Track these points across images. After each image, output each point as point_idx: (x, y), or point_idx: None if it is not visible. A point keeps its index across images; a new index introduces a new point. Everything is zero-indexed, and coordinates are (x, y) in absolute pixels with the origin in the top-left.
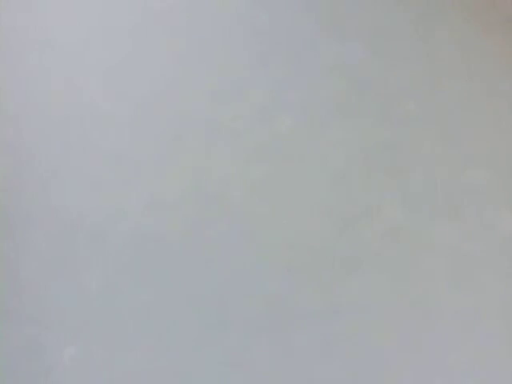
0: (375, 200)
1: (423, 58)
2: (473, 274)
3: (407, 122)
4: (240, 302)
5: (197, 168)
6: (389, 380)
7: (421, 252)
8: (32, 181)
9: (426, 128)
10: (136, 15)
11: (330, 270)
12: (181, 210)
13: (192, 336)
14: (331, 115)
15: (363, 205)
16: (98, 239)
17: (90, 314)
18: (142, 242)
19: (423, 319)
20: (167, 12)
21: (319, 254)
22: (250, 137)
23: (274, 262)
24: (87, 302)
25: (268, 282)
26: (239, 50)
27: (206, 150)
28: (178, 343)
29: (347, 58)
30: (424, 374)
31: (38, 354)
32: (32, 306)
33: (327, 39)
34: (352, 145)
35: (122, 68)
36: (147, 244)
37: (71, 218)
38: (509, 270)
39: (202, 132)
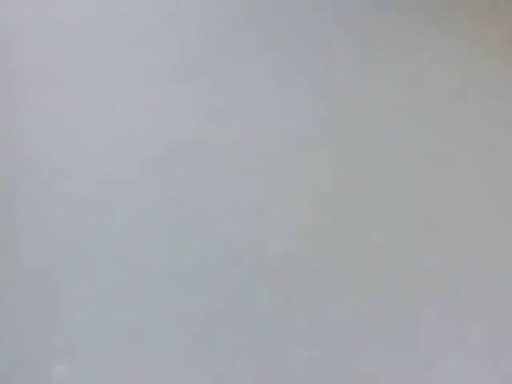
0: (362, 221)
1: (411, 79)
2: (459, 296)
3: (395, 142)
4: (227, 320)
5: (183, 187)
6: None
7: (408, 273)
8: (26, 191)
9: (415, 149)
10: (132, 24)
11: (318, 289)
12: (167, 229)
13: (181, 354)
14: (318, 136)
15: (350, 226)
16: (88, 255)
17: (79, 333)
18: (130, 260)
19: (410, 339)
20: (162, 21)
21: (306, 274)
22: (237, 157)
23: (262, 281)
24: (76, 320)
25: (256, 300)
26: (228, 69)
27: (192, 171)
28: (167, 362)
29: (334, 80)
30: None
31: (26, 372)
32: (21, 323)
33: (314, 61)
34: (339, 166)
35: (111, 83)
36: (136, 262)
37: (57, 237)
38: (496, 293)
39: (189, 154)
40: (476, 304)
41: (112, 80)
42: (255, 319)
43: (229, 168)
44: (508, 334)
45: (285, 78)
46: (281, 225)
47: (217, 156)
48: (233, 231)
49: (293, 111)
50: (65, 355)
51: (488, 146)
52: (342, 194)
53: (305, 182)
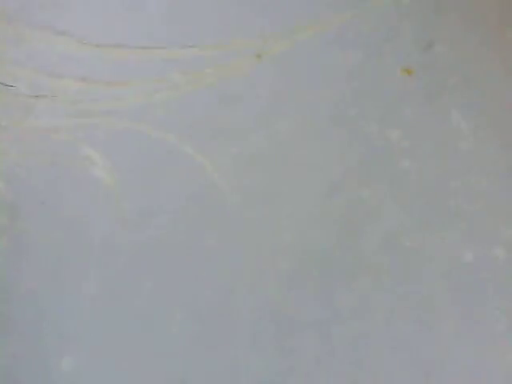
0: (374, 208)
1: (422, 67)
2: (472, 283)
3: (405, 128)
4: (240, 310)
5: (194, 175)
6: None
7: (420, 261)
8: (33, 188)
9: (425, 135)
10: (132, 18)
11: (330, 278)
12: (179, 218)
13: (192, 346)
14: (330, 122)
15: (362, 213)
16: (97, 248)
17: (89, 324)
18: (140, 251)
19: (423, 327)
20: (163, 16)
21: (318, 263)
22: (247, 144)
23: (273, 271)
24: (86, 312)
25: (267, 291)
26: (237, 53)
27: (202, 156)
28: (177, 354)
29: (346, 66)
30: (423, 382)
31: (35, 363)
32: (30, 315)
33: (327, 46)
34: (351, 152)
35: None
36: (145, 253)
37: (70, 228)
38: (509, 280)
39: (199, 138)
40: (491, 289)
41: None
42: (267, 308)
43: (237, 152)
44: None
45: (297, 63)
46: (290, 213)
47: (227, 140)
48: (243, 220)
49: (304, 97)
50: (74, 347)
51: (498, 131)
52: (353, 181)
53: (316, 169)
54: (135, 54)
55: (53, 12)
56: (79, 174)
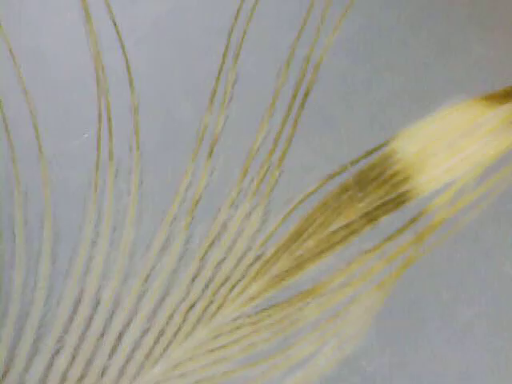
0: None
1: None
2: (473, 285)
3: (396, 128)
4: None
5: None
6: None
7: (420, 259)
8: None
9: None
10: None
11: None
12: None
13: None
14: (320, 123)
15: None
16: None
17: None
18: (141, 249)
19: (421, 325)
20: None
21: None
22: (240, 145)
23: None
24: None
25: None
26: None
27: (195, 161)
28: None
29: (337, 67)
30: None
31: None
32: (35, 313)
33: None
34: (343, 153)
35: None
36: (146, 252)
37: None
38: (496, 282)
39: (191, 141)
40: (490, 292)
41: None
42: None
43: (231, 154)
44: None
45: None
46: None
47: (220, 145)
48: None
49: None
50: None
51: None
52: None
53: (308, 170)
54: None
55: None
56: None
